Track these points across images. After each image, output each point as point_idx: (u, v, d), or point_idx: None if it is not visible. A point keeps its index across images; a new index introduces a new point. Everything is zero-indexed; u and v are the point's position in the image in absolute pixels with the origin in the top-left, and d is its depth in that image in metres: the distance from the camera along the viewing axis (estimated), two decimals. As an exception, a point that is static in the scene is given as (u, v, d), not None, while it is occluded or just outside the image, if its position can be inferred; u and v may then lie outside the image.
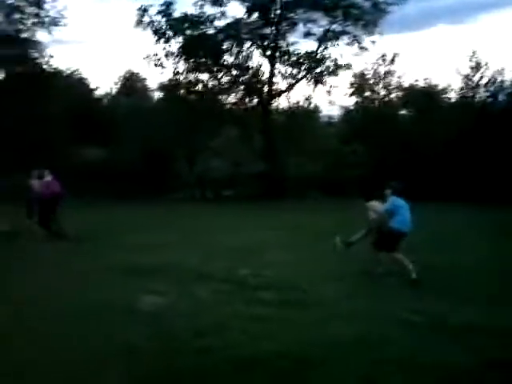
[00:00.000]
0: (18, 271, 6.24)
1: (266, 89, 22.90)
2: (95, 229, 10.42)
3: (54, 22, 22.29)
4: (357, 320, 4.36)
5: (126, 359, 3.28)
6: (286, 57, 22.14)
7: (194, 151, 26.43)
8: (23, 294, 5.02)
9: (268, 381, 3.07)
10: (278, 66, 22.49)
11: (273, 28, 21.22)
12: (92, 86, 36.11)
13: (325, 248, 8.26)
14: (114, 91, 40.38)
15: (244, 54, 21.26)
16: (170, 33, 18.28)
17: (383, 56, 24.47)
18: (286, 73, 22.62)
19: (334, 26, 21.55)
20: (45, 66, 23.29)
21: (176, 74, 19.92)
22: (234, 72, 20.91)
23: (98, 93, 37.54)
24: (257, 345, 3.63)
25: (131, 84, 40.37)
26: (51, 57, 23.25)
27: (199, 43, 18.46)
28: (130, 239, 9.06)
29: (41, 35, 27.93)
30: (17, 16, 21.68)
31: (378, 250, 6.36)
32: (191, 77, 20.34)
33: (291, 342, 3.73)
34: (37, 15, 21.89)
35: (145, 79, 42.74)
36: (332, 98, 23.70)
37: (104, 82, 51.38)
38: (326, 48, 22.17)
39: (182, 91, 20.92)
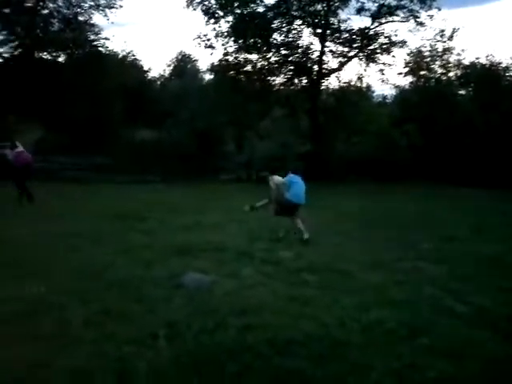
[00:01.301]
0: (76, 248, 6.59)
1: (315, 68, 22.39)
2: (149, 208, 10.80)
3: (110, 5, 23.01)
4: (402, 306, 4.24)
5: (167, 333, 3.39)
6: (337, 34, 21.47)
7: (243, 132, 26.55)
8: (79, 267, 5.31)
9: (306, 362, 3.07)
10: (328, 44, 21.89)
11: (324, 4, 20.57)
12: (145, 68, 37.21)
13: (372, 235, 8.09)
14: (167, 73, 41.32)
15: (294, 32, 20.86)
16: (219, 12, 18.22)
17: (441, 32, 23.08)
18: (336, 51, 22.00)
19: (389, 1, 20.56)
20: (101, 49, 24.13)
21: (225, 54, 19.91)
22: (284, 51, 20.58)
23: (151, 74, 38.66)
24: (296, 326, 3.64)
25: (183, 66, 40.99)
26: (107, 39, 24.03)
27: (249, 22, 18.28)
28: (178, 218, 9.34)
29: (97, 18, 28.96)
30: (75, 1, 22.54)
31: (275, 215, 7.77)
32: (240, 57, 20.26)
33: (332, 325, 3.70)
34: (92, -2, 22.64)
35: (196, 61, 43.32)
36: (385, 77, 22.71)
37: (157, 64, 52.39)
38: (379, 24, 21.25)
39: (231, 72, 20.92)
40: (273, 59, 20.72)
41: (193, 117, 24.18)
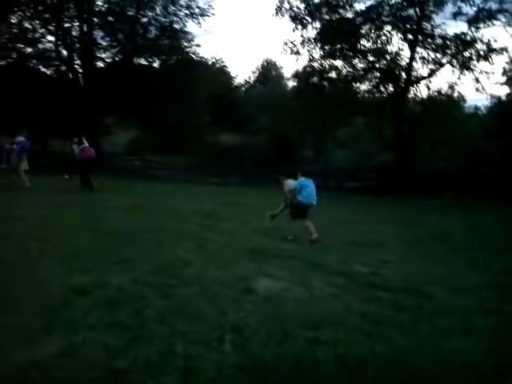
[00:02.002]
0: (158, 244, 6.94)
1: (403, 75, 21.44)
2: (229, 209, 11.09)
3: (203, 13, 24.14)
4: (487, 338, 3.86)
5: (234, 337, 3.41)
6: (429, 40, 20.37)
7: (322, 139, 26.26)
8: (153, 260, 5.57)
9: (375, 386, 2.91)
10: (419, 50, 20.86)
11: (417, 9, 19.65)
12: (232, 75, 38.54)
13: (460, 255, 7.51)
14: (252, 79, 42.39)
15: (383, 38, 20.16)
16: (308, 18, 18.24)
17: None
18: (428, 58, 20.87)
19: (489, 4, 19.07)
20: (192, 55, 25.36)
21: (311, 60, 19.89)
22: (371, 58, 20.00)
23: (237, 81, 39.93)
24: (369, 345, 3.47)
25: (267, 72, 41.77)
26: (198, 46, 25.19)
27: (337, 28, 18.07)
28: (256, 221, 9.49)
29: (190, 25, 30.53)
30: (171, 8, 23.96)
31: (293, 219, 8.12)
32: (326, 63, 20.09)
33: (407, 349, 3.47)
34: (188, 7, 23.91)
35: (281, 68, 43.91)
36: (480, 87, 21.05)
37: (243, 71, 54.05)
38: (477, 29, 19.78)
39: (315, 78, 20.82)
40: (359, 66, 20.29)
41: (274, 122, 24.48)
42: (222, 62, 34.07)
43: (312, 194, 8.03)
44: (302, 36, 18.98)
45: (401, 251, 7.62)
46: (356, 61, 20.02)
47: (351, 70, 20.43)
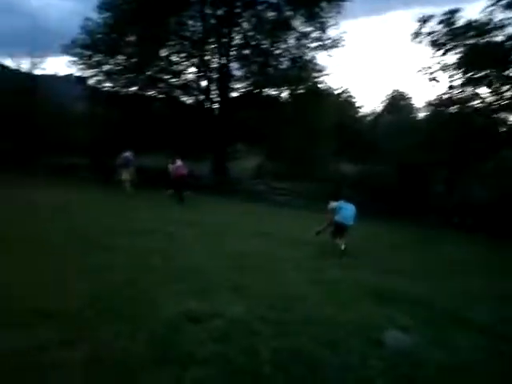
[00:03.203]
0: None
1: None
2: (354, 243, 10.45)
3: (334, 45, 24.15)
4: None
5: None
6: None
7: (456, 173, 23.87)
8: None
9: None
10: None
11: None
12: (358, 105, 37.95)
13: None
14: (379, 109, 41.21)
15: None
16: (449, 43, 16.89)
17: None
18: None
19: None
20: (320, 85, 25.46)
21: (450, 87, 18.28)
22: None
23: (363, 111, 39.16)
24: None
25: (395, 102, 40.23)
26: (327, 75, 25.21)
27: (482, 53, 16.34)
28: (385, 259, 8.69)
29: (320, 56, 30.88)
30: (304, 41, 24.47)
31: (333, 236, 9.11)
32: (467, 91, 18.26)
33: None
34: (319, 39, 24.16)
35: (410, 98, 41.93)
36: None
37: (369, 101, 52.93)
38: None
39: (453, 107, 19.06)
40: (508, 93, 17.98)
41: (401, 153, 23.09)
42: (348, 92, 33.68)
43: (349, 215, 9.18)
44: (439, 62, 17.64)
45: None
46: (504, 88, 17.83)
47: (497, 98, 18.25)
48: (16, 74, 22.76)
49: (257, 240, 9.16)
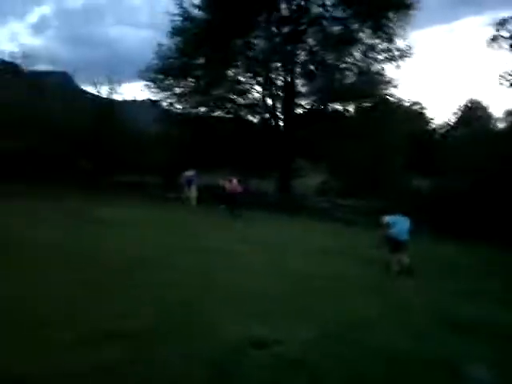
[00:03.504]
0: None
1: None
2: (419, 263, 9.81)
3: (403, 55, 23.26)
4: None
5: None
6: None
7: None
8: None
9: None
10: None
11: None
12: (430, 117, 36.15)
13: None
14: (452, 121, 38.95)
15: None
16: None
17: None
18: None
19: None
20: (389, 98, 24.56)
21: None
22: None
23: (435, 122, 37.21)
24: None
25: (471, 113, 37.77)
26: (395, 87, 24.26)
27: None
28: (456, 283, 7.99)
29: (389, 68, 29.94)
30: (371, 53, 23.87)
31: (391, 253, 8.73)
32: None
33: None
34: (388, 50, 23.42)
35: (487, 107, 39.21)
36: None
37: (442, 112, 50.21)
38: None
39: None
40: None
41: (477, 166, 21.46)
42: (420, 103, 32.22)
43: (403, 230, 8.82)
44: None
45: None
46: None
47: None
48: (96, 99, 24.51)
49: (320, 257, 8.88)
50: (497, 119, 35.27)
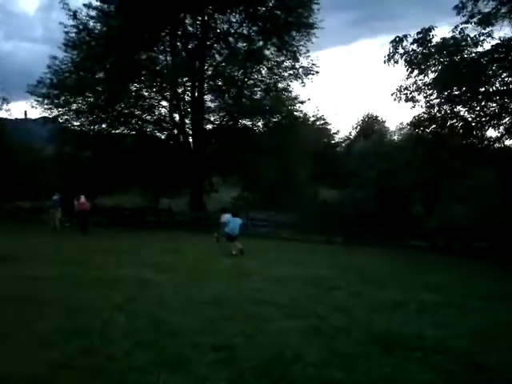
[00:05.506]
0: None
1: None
2: (339, 276, 9.62)
3: (307, 73, 24.03)
4: None
5: None
6: None
7: (434, 195, 23.67)
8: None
9: None
10: None
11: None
12: (333, 131, 37.96)
13: None
14: (353, 134, 41.48)
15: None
16: (425, 62, 16.73)
17: None
18: None
19: None
20: (295, 113, 25.13)
21: (428, 107, 18.05)
22: (500, 101, 17.47)
23: (338, 136, 39.21)
24: None
25: (369, 126, 40.60)
26: (302, 103, 24.94)
27: (458, 70, 16.23)
28: (380, 293, 7.81)
29: (294, 85, 30.88)
30: (277, 70, 24.31)
31: (228, 241, 12.14)
32: (445, 110, 18.05)
33: None
34: (293, 67, 24.04)
35: (384, 121, 42.60)
36: None
37: (343, 126, 53.60)
38: None
39: (432, 127, 18.80)
40: (485, 110, 17.84)
41: (379, 177, 22.81)
42: (323, 118, 33.82)
43: (235, 227, 12.08)
44: (415, 83, 17.40)
45: None
46: (481, 105, 17.69)
47: (475, 115, 18.07)
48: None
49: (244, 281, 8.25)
50: (392, 132, 38.19)
